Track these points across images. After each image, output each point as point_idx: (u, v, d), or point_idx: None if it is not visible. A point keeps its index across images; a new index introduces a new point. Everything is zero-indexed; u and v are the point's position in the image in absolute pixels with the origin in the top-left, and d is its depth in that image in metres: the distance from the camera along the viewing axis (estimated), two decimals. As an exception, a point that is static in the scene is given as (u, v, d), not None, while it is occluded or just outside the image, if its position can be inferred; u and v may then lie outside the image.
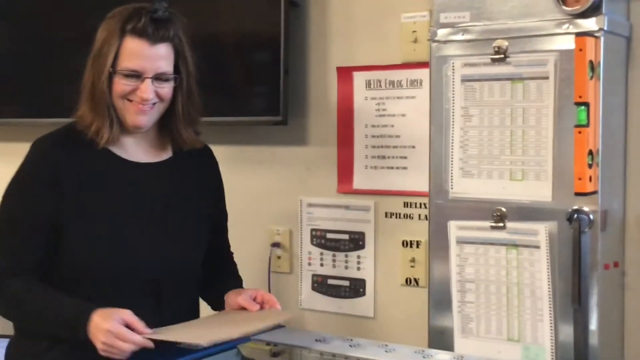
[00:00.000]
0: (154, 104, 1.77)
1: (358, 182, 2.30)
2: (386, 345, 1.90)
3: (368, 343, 1.92)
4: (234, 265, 2.08)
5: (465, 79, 1.90)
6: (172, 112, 1.83)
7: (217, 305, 1.94)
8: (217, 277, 1.97)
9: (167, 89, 1.78)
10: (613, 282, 1.88)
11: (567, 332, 1.83)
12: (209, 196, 1.95)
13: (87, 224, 1.76)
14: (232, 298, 1.89)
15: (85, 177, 1.78)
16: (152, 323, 1.72)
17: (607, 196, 1.82)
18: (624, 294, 1.92)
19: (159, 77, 1.76)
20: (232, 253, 2.09)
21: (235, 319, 1.82)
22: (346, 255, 2.33)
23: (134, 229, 1.81)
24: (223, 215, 2.04)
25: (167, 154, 1.90)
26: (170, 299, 1.84)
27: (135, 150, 1.85)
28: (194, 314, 1.93)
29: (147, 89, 1.74)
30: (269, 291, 2.42)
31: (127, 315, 1.65)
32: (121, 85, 1.75)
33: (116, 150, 1.82)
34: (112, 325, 1.62)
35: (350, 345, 1.90)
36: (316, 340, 1.95)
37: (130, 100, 1.75)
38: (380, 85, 2.25)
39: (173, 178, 1.88)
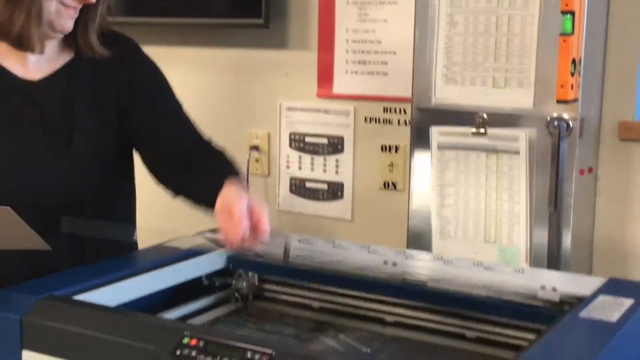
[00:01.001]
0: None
1: (338, 86, 2.32)
2: (368, 246, 1.96)
3: (351, 245, 1.98)
4: (217, 151, 1.74)
5: (451, -15, 1.91)
6: (87, 17, 1.67)
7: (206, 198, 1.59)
8: (198, 166, 1.67)
9: None
10: (587, 187, 1.96)
11: (542, 234, 1.91)
12: (120, 92, 1.73)
13: None
14: (227, 194, 1.52)
15: None
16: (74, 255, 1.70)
17: (586, 104, 1.87)
18: (596, 198, 2.00)
19: None
20: (210, 142, 1.77)
21: None
22: (325, 159, 2.37)
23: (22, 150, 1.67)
24: (163, 104, 1.78)
25: (66, 58, 1.72)
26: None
27: (31, 59, 1.69)
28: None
29: None
30: (247, 194, 2.46)
31: None
32: None
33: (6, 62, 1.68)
34: None
35: (334, 247, 1.96)
36: (299, 242, 2.00)
37: (63, 4, 1.60)
38: (363, -10, 2.24)
39: (68, 85, 1.70)
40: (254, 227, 1.47)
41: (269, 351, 1.23)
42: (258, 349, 1.24)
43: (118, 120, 1.73)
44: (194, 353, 1.27)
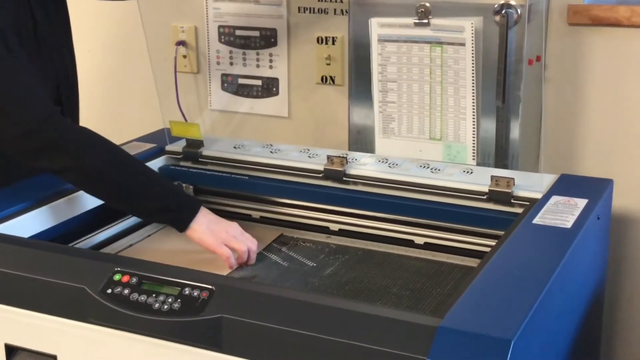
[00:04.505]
0: None
1: (268, -26, 2.14)
2: (308, 149, 1.85)
3: (289, 148, 1.87)
4: None
5: None
6: None
7: None
8: None
9: None
10: (535, 77, 1.86)
11: (489, 127, 1.82)
12: None
13: None
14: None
15: None
16: None
17: (534, -11, 1.76)
18: (543, 87, 1.92)
19: None
20: None
21: None
22: (257, 54, 2.22)
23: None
24: None
25: None
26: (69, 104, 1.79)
27: None
28: None
29: None
30: (176, 91, 2.31)
31: None
32: None
33: None
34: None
35: (271, 152, 1.85)
36: (235, 148, 1.89)
37: None
38: None
39: None
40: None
41: (210, 287, 1.13)
42: (198, 284, 1.15)
43: None
44: (126, 291, 1.17)
